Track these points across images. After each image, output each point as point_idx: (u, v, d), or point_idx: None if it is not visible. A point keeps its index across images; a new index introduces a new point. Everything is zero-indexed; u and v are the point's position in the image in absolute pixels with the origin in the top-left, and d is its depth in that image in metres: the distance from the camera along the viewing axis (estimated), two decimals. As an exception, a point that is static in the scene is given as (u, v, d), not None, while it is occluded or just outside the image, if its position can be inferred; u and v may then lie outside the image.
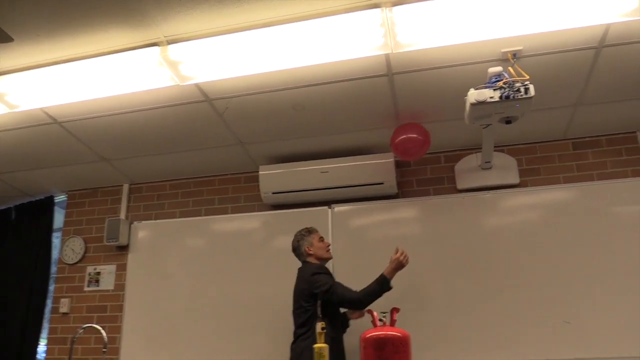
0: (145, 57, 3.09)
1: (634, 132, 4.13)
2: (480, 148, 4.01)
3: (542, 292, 3.81)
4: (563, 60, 3.24)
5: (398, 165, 4.33)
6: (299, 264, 3.88)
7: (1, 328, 4.94)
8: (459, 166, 4.27)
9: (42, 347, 4.89)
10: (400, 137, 3.78)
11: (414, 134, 3.78)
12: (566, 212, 3.96)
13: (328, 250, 3.51)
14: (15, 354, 4.73)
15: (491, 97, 2.94)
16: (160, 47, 3.02)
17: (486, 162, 4.10)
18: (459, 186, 4.23)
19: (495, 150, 4.05)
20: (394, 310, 2.48)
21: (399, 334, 2.34)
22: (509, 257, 3.94)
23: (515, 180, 4.14)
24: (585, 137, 4.19)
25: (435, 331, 3.86)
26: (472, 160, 4.23)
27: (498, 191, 4.13)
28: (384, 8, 2.72)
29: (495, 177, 4.15)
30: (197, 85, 3.43)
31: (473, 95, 2.97)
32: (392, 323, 2.44)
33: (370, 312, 2.49)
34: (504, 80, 2.94)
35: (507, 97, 2.91)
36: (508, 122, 3.17)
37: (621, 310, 3.67)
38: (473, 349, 3.80)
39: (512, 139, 4.20)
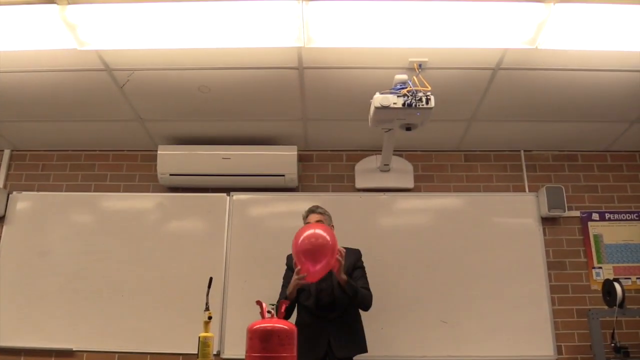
0: (43, 15, 2.82)
1: (519, 150, 4.49)
2: (381, 151, 4.15)
3: (423, 292, 4.03)
4: (463, 77, 3.44)
5: (300, 159, 4.36)
6: (190, 252, 3.81)
7: None
8: (359, 166, 4.39)
9: None
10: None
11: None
12: (454, 218, 4.22)
13: None
14: None
15: (395, 103, 3.04)
16: (59, 6, 2.79)
17: (385, 165, 4.25)
18: (358, 185, 4.35)
19: (394, 154, 4.22)
20: (283, 302, 2.49)
21: (285, 327, 2.35)
22: (397, 258, 4.12)
23: (410, 184, 4.34)
24: (476, 151, 4.49)
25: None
26: (371, 162, 4.37)
27: (394, 193, 4.31)
28: (300, 0, 2.71)
29: (392, 180, 4.32)
30: (97, 53, 3.21)
31: (378, 99, 3.05)
32: (280, 316, 2.44)
33: (259, 303, 2.47)
34: (408, 89, 3.05)
35: (410, 105, 3.02)
36: (408, 128, 3.29)
37: (494, 313, 3.98)
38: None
39: (410, 145, 4.39)
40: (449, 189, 4.38)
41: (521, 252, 4.13)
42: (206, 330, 2.44)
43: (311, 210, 3.29)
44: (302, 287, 3.07)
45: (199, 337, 2.41)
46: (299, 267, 2.87)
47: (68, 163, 4.60)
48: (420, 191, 4.36)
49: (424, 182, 4.40)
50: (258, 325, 2.35)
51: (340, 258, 2.90)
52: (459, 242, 4.15)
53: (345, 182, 4.41)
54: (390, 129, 3.41)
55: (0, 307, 4.17)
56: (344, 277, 2.97)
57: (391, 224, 4.23)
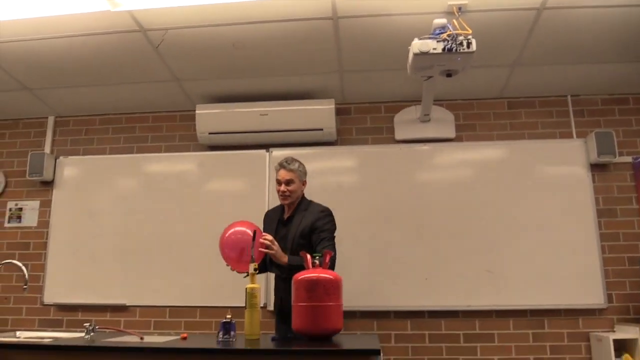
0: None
1: (565, 95, 4.29)
2: (420, 101, 4.05)
3: (468, 243, 3.99)
4: (505, 19, 3.27)
5: (338, 112, 4.31)
6: (233, 209, 3.84)
7: None
8: (399, 117, 4.31)
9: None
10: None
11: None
12: (497, 167, 4.12)
13: (280, 195, 3.10)
14: None
15: (434, 49, 2.93)
16: (91, -33, 2.79)
17: (425, 115, 4.15)
18: (397, 137, 4.28)
19: (434, 104, 4.12)
20: (327, 253, 2.51)
21: (330, 277, 2.37)
22: (440, 208, 4.08)
23: (452, 134, 4.24)
24: (519, 97, 4.33)
25: (366, 276, 3.97)
26: (411, 112, 4.27)
27: (435, 144, 4.22)
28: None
29: (433, 130, 4.23)
30: (130, 14, 3.20)
31: (417, 45, 2.95)
32: (325, 266, 2.46)
33: (304, 254, 2.50)
34: (447, 33, 2.93)
35: (450, 50, 2.91)
36: (449, 75, 3.18)
37: (541, 262, 3.91)
38: (400, 296, 3.96)
39: (451, 93, 4.26)
40: (491, 138, 4.26)
41: (569, 200, 4.01)
42: (252, 282, 2.48)
43: (280, 165, 3.12)
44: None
45: (246, 289, 2.45)
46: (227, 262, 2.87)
47: (110, 127, 4.69)
48: (462, 141, 4.26)
49: (466, 132, 4.29)
50: (303, 276, 2.39)
51: (265, 249, 2.77)
52: (504, 191, 4.06)
53: (384, 134, 4.34)
54: (430, 77, 3.30)
55: (57, 267, 4.38)
56: (283, 260, 2.82)
57: (433, 174, 4.17)
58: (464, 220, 4.03)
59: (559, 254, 3.91)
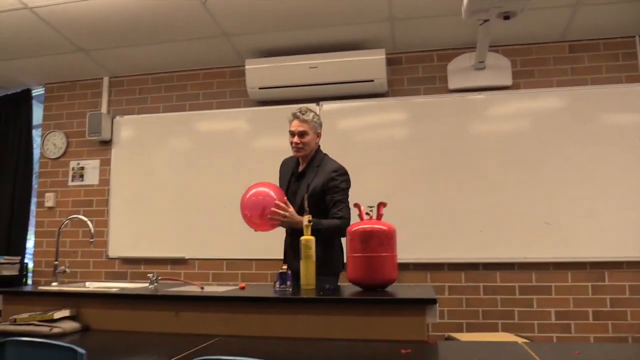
0: None
1: (633, 36, 4.01)
2: (475, 47, 3.89)
3: (525, 195, 3.88)
4: (569, -48, 3.05)
5: (389, 62, 4.20)
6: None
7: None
8: (452, 65, 4.16)
9: (30, 242, 4.93)
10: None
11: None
12: (557, 115, 3.94)
13: (293, 147, 2.96)
14: (4, 250, 4.78)
15: (491, -11, 2.78)
16: None
17: (480, 62, 3.99)
18: (451, 86, 4.14)
19: (489, 50, 3.94)
20: (381, 204, 2.48)
21: (384, 228, 2.35)
22: (496, 159, 3.96)
23: (508, 81, 4.06)
24: (582, 40, 4.08)
25: (419, 228, 3.95)
26: (465, 60, 4.11)
27: (490, 92, 4.06)
28: None
29: (488, 78, 4.06)
30: (178, -32, 3.19)
31: (473, -14, 2.81)
32: (379, 217, 2.45)
33: (357, 205, 2.49)
34: (506, -29, 2.77)
35: (508, -11, 2.75)
36: (506, 17, 3.03)
37: (600, 215, 3.76)
38: (454, 248, 3.92)
39: (507, 38, 4.06)
40: (551, 84, 4.06)
41: (634, 149, 3.80)
42: (307, 233, 2.49)
43: (294, 116, 2.95)
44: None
45: (301, 240, 2.48)
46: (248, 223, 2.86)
47: (162, 85, 4.76)
48: (519, 88, 4.08)
49: (523, 79, 4.10)
50: (358, 227, 2.38)
51: (278, 218, 2.73)
52: (563, 140, 3.89)
53: (437, 84, 4.21)
54: (485, 20, 3.16)
55: (119, 222, 4.57)
56: (298, 224, 2.66)
57: (488, 124, 4.03)
58: (521, 171, 3.91)
59: (621, 205, 3.75)
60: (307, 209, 2.63)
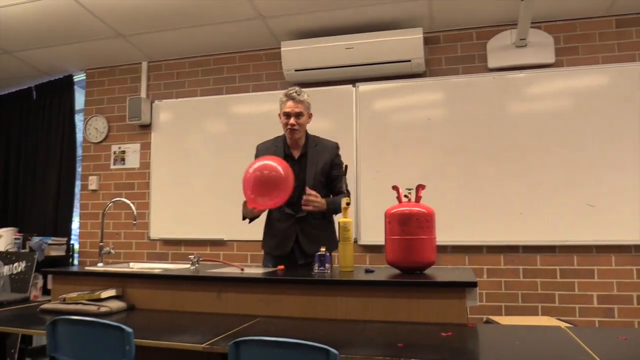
0: None
1: (685, 8, 3.82)
2: (516, 24, 3.78)
3: (567, 176, 3.78)
4: None
5: (426, 41, 4.12)
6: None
7: (37, 207, 5.14)
8: (492, 43, 4.04)
9: (75, 224, 5.11)
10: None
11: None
12: (603, 94, 3.80)
13: (288, 129, 2.85)
14: (52, 230, 4.96)
15: (535, -37, 2.69)
16: None
17: (521, 39, 3.86)
18: (490, 65, 4.04)
19: (531, 27, 3.82)
20: (420, 187, 2.45)
21: (423, 210, 2.33)
22: (536, 140, 3.86)
23: (551, 59, 3.93)
24: (630, 14, 3.90)
25: (457, 210, 3.90)
26: (505, 37, 3.99)
27: (532, 70, 3.93)
28: None
29: (530, 56, 3.93)
30: (214, -49, 3.19)
31: (515, -40, 2.72)
32: (417, 199, 2.43)
33: (395, 188, 2.47)
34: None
35: (553, -37, 2.65)
36: (550, -8, 2.92)
37: (645, 195, 3.64)
38: (493, 230, 3.87)
39: (550, 14, 3.92)
40: (597, 61, 3.91)
41: (685, 126, 3.65)
42: (345, 215, 2.50)
43: (289, 96, 2.84)
44: None
45: (339, 222, 2.49)
46: (249, 202, 2.64)
47: (199, 69, 4.80)
48: (562, 66, 3.94)
49: (567, 56, 3.96)
50: (396, 209, 2.37)
51: (312, 206, 2.72)
52: (609, 120, 3.76)
53: (476, 63, 4.11)
54: (528, -4, 3.05)
55: (160, 205, 4.68)
56: (323, 207, 2.76)
57: (530, 104, 3.92)
58: (563, 152, 3.80)
59: (668, 186, 3.61)
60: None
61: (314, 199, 2.73)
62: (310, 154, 2.92)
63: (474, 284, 2.02)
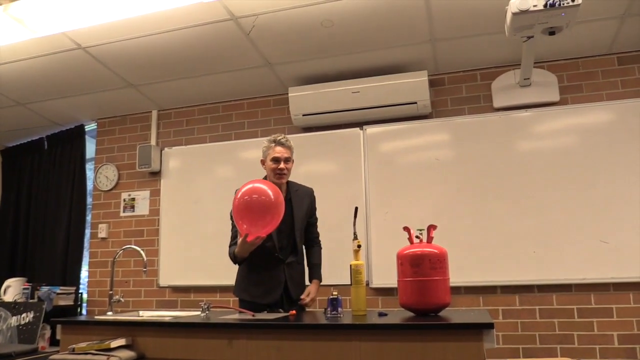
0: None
1: (686, 44, 3.87)
2: (519, 64, 3.84)
3: (578, 213, 3.75)
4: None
5: (432, 83, 4.18)
6: (330, 188, 3.79)
7: (46, 256, 5.14)
8: (496, 84, 4.10)
9: (84, 273, 5.09)
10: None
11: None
12: (608, 131, 3.81)
13: (277, 174, 2.89)
14: (60, 280, 4.94)
15: (535, 5, 2.76)
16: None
17: (525, 79, 3.92)
18: (496, 104, 4.08)
19: (535, 67, 3.88)
20: (431, 227, 2.44)
21: (435, 251, 2.31)
22: (545, 178, 3.85)
23: (555, 97, 3.97)
24: (632, 52, 3.96)
25: (469, 250, 3.86)
26: (510, 77, 4.05)
27: (537, 109, 3.97)
28: None
29: (534, 95, 3.98)
30: (222, 3, 3.30)
31: (515, 4, 2.79)
32: (429, 240, 2.41)
33: (406, 229, 2.45)
34: (549, -14, 2.73)
35: (553, 5, 2.73)
36: (552, 33, 2.99)
37: (660, 231, 3.59)
38: (506, 270, 3.81)
39: (553, 54, 3.99)
40: (601, 98, 3.94)
41: (695, 161, 3.63)
42: (356, 258, 2.48)
43: (277, 142, 2.89)
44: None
45: (351, 266, 2.46)
46: (242, 231, 2.61)
47: (208, 116, 4.88)
48: (567, 104, 3.97)
49: (571, 94, 4.00)
50: (408, 251, 2.35)
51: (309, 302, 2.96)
52: (616, 156, 3.75)
53: (482, 103, 4.16)
54: (530, 37, 3.11)
55: (169, 251, 4.67)
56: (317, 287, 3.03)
57: (536, 142, 3.93)
58: (573, 189, 3.78)
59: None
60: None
61: (313, 297, 2.97)
62: (294, 199, 2.98)
63: (490, 325, 1.97)
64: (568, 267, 3.70)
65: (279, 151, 2.89)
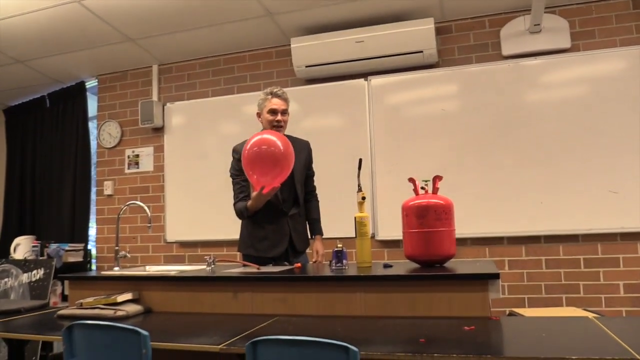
0: None
1: None
2: (529, 10, 3.69)
3: (587, 163, 3.69)
4: None
5: (438, 31, 4.05)
6: (334, 141, 3.73)
7: (54, 213, 5.17)
8: (505, 30, 3.95)
9: (92, 230, 5.13)
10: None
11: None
12: (621, 78, 3.69)
13: (274, 126, 2.86)
14: (69, 237, 4.98)
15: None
16: None
17: (535, 25, 3.78)
18: (505, 52, 3.95)
19: (545, 12, 3.73)
20: (437, 178, 2.39)
21: (441, 202, 2.27)
22: (555, 128, 3.77)
23: (567, 44, 3.83)
24: (648, -6, 3.79)
25: (476, 202, 3.83)
26: (519, 24, 3.90)
27: (548, 56, 3.84)
28: None
29: (545, 41, 3.84)
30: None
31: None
32: (435, 191, 2.37)
33: (412, 180, 2.41)
34: None
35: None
36: (564, -26, 2.84)
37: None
38: (513, 221, 3.78)
39: (564, -2, 3.83)
40: (614, 44, 3.80)
41: None
42: (361, 210, 2.45)
43: (274, 94, 2.87)
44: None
45: (355, 218, 2.44)
46: (255, 184, 2.63)
47: (210, 69, 4.79)
48: (578, 50, 3.84)
49: (583, 40, 3.86)
50: (413, 202, 2.31)
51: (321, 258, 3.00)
52: (629, 105, 3.64)
53: (490, 51, 4.03)
54: (541, -21, 2.97)
55: (175, 207, 4.67)
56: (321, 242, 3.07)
57: (546, 91, 3.82)
58: (583, 139, 3.70)
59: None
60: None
61: (322, 252, 3.01)
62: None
63: (496, 276, 1.96)
64: (575, 218, 3.67)
65: (276, 103, 2.87)
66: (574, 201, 3.68)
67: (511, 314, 3.12)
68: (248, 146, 2.60)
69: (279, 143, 2.58)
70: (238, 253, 3.05)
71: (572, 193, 3.69)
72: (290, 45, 4.22)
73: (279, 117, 2.86)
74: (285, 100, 2.91)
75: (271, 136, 2.63)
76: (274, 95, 2.88)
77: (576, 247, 3.72)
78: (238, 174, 2.88)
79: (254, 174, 2.60)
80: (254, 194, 2.71)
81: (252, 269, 2.55)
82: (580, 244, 3.71)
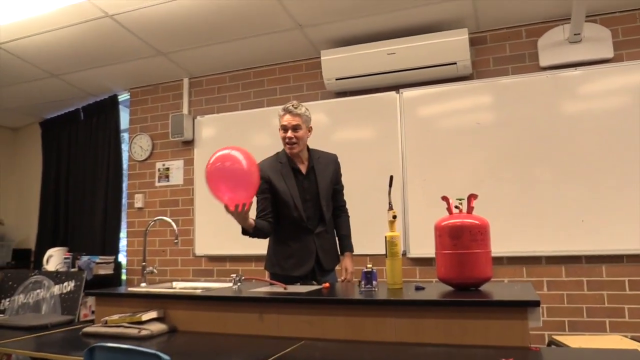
0: None
1: None
2: (569, 19, 3.55)
3: (631, 178, 3.51)
4: None
5: (472, 42, 3.93)
6: (365, 155, 3.63)
7: (86, 226, 5.23)
8: (543, 40, 3.81)
9: (123, 241, 5.15)
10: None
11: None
12: (668, 88, 3.50)
13: (287, 143, 2.81)
14: (100, 249, 5.02)
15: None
16: None
17: (575, 34, 3.63)
18: (542, 63, 3.81)
19: (586, 21, 3.58)
20: (471, 196, 2.28)
21: (476, 222, 2.16)
22: (596, 141, 3.60)
23: (609, 54, 3.66)
24: (696, 1, 3.60)
25: (513, 219, 3.68)
26: (558, 33, 3.76)
27: (588, 67, 3.68)
28: None
29: (586, 51, 3.68)
30: (249, -38, 3.14)
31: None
32: (469, 210, 2.25)
33: (445, 199, 2.30)
34: None
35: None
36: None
37: None
38: (552, 239, 3.62)
39: (606, 6, 3.68)
40: (660, 54, 3.62)
41: None
42: (392, 229, 2.35)
43: (285, 110, 2.79)
44: (284, 201, 2.79)
45: (386, 237, 2.34)
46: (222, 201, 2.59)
47: (240, 83, 4.78)
48: (622, 60, 3.66)
49: (627, 49, 3.68)
50: (447, 222, 2.20)
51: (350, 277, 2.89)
52: (678, 116, 3.45)
53: (527, 62, 3.88)
54: (582, -13, 2.84)
55: (204, 221, 4.66)
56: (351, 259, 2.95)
57: (586, 102, 3.66)
58: (626, 153, 3.52)
59: None
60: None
61: (351, 271, 2.89)
62: (318, 168, 2.89)
63: (536, 303, 1.83)
64: (619, 237, 3.48)
65: (287, 119, 2.79)
66: (617, 219, 3.49)
67: (551, 342, 2.94)
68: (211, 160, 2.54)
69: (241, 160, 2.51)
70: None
71: (615, 210, 3.50)
72: (320, 57, 4.17)
73: (289, 133, 2.78)
74: (298, 115, 2.79)
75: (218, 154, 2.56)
76: (286, 111, 2.80)
77: (620, 268, 3.52)
78: (258, 192, 2.79)
79: (223, 191, 2.60)
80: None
81: (279, 288, 2.47)
82: (625, 265, 3.51)
